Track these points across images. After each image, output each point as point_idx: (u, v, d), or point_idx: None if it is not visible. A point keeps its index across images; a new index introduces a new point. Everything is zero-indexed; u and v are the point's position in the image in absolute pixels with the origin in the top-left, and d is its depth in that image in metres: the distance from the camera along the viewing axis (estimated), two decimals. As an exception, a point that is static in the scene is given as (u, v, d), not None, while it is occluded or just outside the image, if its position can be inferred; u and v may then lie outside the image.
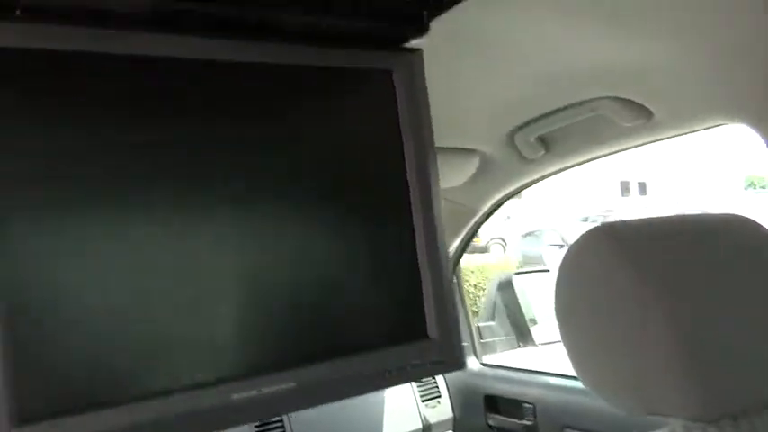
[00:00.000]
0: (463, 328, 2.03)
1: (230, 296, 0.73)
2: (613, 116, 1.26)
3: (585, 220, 14.67)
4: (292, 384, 0.73)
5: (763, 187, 23.54)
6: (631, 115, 1.24)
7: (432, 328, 0.84)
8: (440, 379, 2.16)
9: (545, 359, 2.09)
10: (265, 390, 0.72)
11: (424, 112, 0.85)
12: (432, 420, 2.08)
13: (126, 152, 0.68)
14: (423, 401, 2.09)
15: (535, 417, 1.86)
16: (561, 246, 12.20)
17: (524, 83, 1.21)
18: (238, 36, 0.73)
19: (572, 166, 1.54)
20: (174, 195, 0.70)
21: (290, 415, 1.84)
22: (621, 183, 21.77)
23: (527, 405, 1.89)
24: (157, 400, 0.67)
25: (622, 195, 21.43)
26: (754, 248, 0.68)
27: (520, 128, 1.43)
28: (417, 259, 0.84)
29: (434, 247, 0.84)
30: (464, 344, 1.85)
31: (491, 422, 2.02)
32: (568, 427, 1.75)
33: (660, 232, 0.69)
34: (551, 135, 1.44)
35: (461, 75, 1.11)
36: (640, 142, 1.35)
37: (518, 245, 12.29)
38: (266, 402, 0.72)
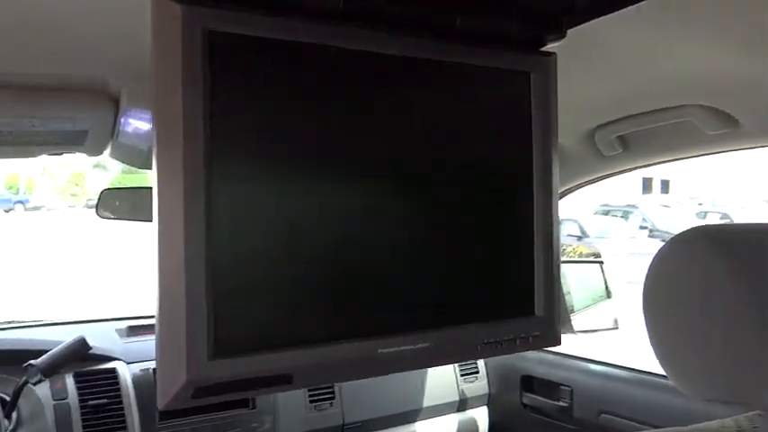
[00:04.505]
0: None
1: (378, 263, 0.83)
2: (699, 123, 1.29)
3: (606, 213, 14.66)
4: (426, 345, 0.83)
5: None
6: (718, 124, 1.27)
7: (539, 307, 0.93)
8: (478, 356, 2.26)
9: (581, 346, 2.15)
10: (404, 348, 0.82)
11: (553, 111, 0.93)
12: (468, 395, 2.18)
13: (309, 122, 0.79)
14: (461, 376, 2.19)
15: (572, 399, 1.92)
16: (580, 237, 12.22)
17: (615, 85, 1.26)
18: (405, 33, 0.82)
19: (647, 165, 1.59)
20: (346, 162, 0.81)
21: None
22: (644, 179, 21.62)
23: (564, 387, 1.96)
24: (321, 348, 0.77)
25: (644, 192, 21.31)
26: None
27: (602, 126, 1.47)
28: (534, 243, 0.92)
29: (549, 233, 0.93)
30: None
31: (526, 401, 2.10)
32: (604, 412, 1.82)
33: (754, 236, 0.74)
34: (632, 135, 1.47)
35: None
36: (721, 150, 1.39)
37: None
38: (404, 358, 0.82)
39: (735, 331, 0.68)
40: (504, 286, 0.92)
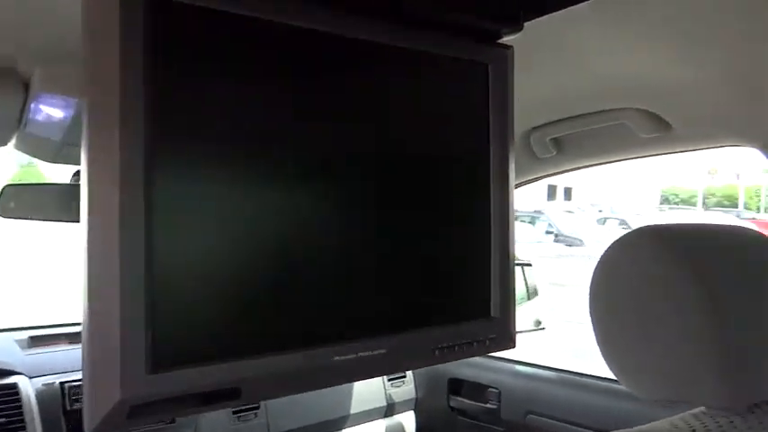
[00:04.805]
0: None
1: (331, 266, 0.78)
2: (633, 126, 1.32)
3: (515, 219, 15.15)
4: (383, 351, 0.78)
5: (677, 203, 25.04)
6: (651, 127, 1.30)
7: (495, 309, 0.90)
8: (405, 360, 2.23)
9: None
10: (361, 354, 0.76)
11: (510, 104, 0.90)
12: (396, 399, 2.14)
13: (259, 111, 0.72)
14: (388, 381, 2.15)
15: (499, 401, 1.93)
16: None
17: (552, 87, 1.27)
18: (365, 15, 0.76)
19: (580, 168, 1.61)
20: (291, 158, 0.74)
21: None
22: (549, 186, 22.56)
23: (492, 390, 1.96)
24: (271, 357, 0.70)
25: (548, 199, 22.21)
26: None
27: (537, 128, 1.48)
28: (491, 244, 0.89)
29: (506, 233, 0.90)
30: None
31: (453, 404, 2.09)
32: (532, 413, 1.84)
33: (696, 235, 0.76)
34: (566, 137, 1.49)
35: None
36: (653, 153, 1.42)
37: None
38: (362, 365, 0.77)
39: (679, 330, 0.68)
40: (460, 288, 0.89)
